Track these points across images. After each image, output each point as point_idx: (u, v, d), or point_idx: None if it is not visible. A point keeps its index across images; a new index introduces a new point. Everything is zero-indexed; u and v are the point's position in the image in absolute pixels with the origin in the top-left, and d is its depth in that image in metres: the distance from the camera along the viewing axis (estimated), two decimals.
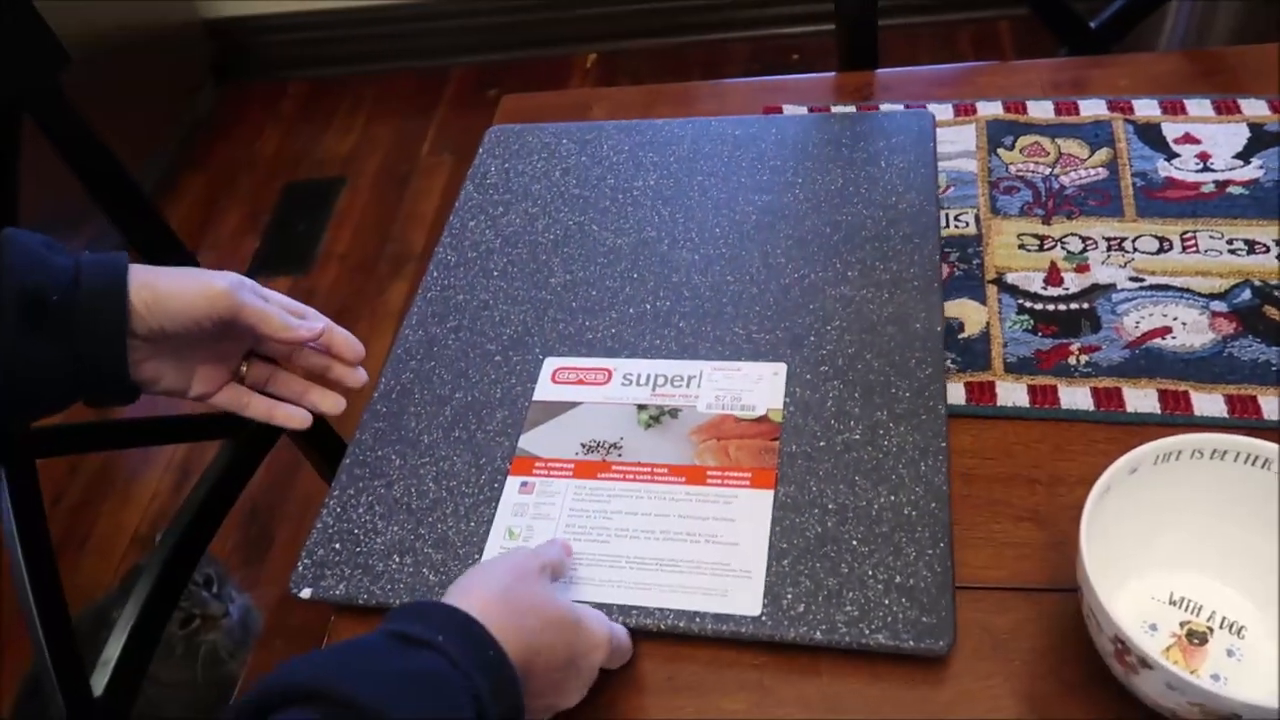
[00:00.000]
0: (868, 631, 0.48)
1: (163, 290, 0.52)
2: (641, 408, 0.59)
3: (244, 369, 0.60)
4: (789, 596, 0.50)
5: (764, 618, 0.49)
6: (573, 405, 0.60)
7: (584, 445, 0.58)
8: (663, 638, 0.51)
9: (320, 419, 1.00)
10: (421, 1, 2.10)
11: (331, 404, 0.61)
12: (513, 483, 0.57)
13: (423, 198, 1.91)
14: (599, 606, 0.51)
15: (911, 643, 0.47)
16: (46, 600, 0.71)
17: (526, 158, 0.77)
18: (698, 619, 0.50)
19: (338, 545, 0.57)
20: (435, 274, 0.70)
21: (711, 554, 0.52)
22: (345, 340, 0.60)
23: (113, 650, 0.72)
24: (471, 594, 0.43)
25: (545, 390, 0.61)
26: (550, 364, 0.63)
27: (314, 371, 0.61)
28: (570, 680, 0.46)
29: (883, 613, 0.48)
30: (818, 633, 0.48)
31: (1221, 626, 0.46)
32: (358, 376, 0.61)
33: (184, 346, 0.56)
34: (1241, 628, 0.46)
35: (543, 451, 0.58)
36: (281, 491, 1.49)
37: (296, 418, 0.61)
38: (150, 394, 0.57)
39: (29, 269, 0.50)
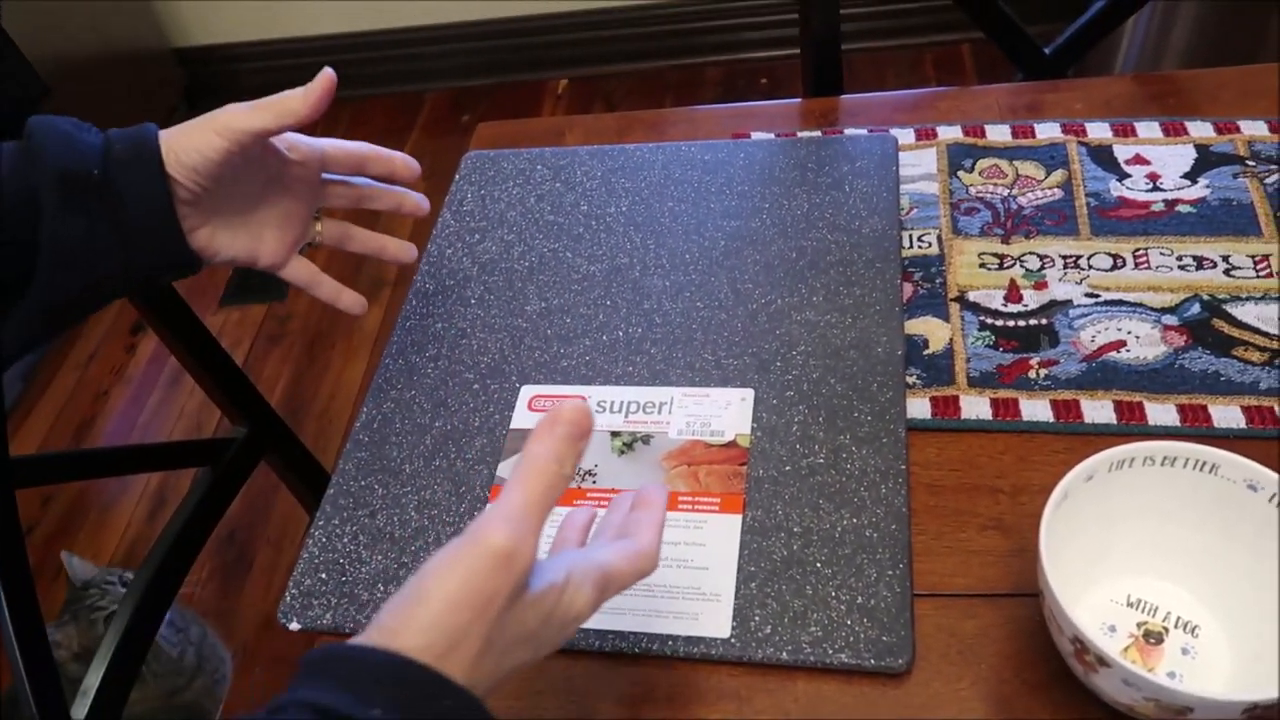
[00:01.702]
0: (831, 651, 0.50)
1: (179, 145, 0.52)
2: (615, 434, 0.61)
3: (317, 229, 0.62)
4: (756, 618, 0.51)
5: (733, 639, 0.51)
6: None
7: None
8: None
9: (298, 443, 1.01)
10: (394, 28, 2.12)
11: (406, 251, 0.65)
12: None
13: (397, 222, 1.92)
14: (578, 634, 0.52)
15: (872, 661, 0.49)
16: (26, 631, 0.71)
17: (502, 184, 0.79)
18: (670, 642, 0.51)
19: (324, 575, 0.58)
20: (414, 302, 0.72)
21: (683, 578, 0.54)
22: (401, 159, 0.61)
23: (93, 679, 0.72)
24: (405, 636, 0.35)
25: (522, 418, 0.63)
26: (527, 392, 0.64)
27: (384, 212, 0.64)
28: (545, 629, 0.39)
29: (845, 632, 0.50)
30: (784, 653, 0.50)
31: (1176, 626, 0.48)
32: (420, 202, 0.64)
33: (235, 206, 0.57)
34: (1195, 627, 0.48)
35: None
36: (259, 516, 1.49)
37: (357, 305, 0.64)
38: (216, 265, 0.57)
39: (62, 151, 0.50)
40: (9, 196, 0.50)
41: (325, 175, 0.61)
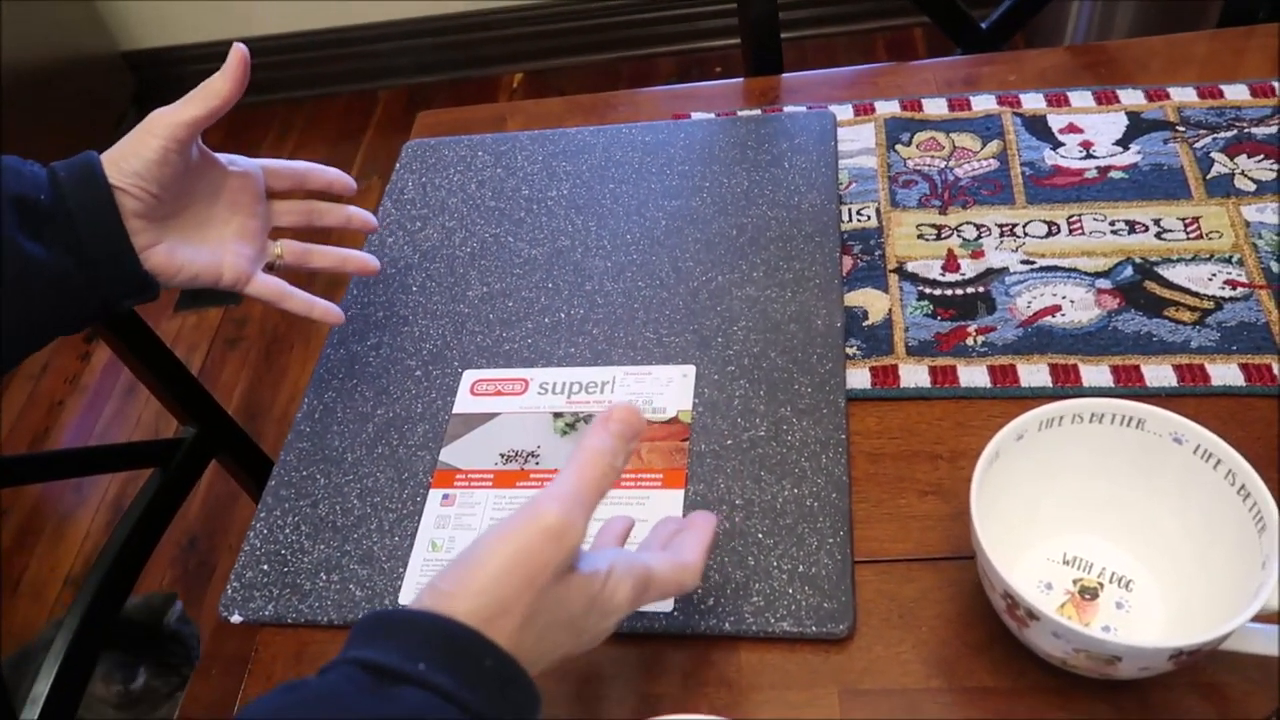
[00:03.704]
0: (773, 620, 0.50)
1: (118, 155, 0.53)
2: (557, 416, 0.60)
3: (277, 250, 0.61)
4: (699, 591, 0.51)
5: (676, 613, 0.51)
6: (491, 416, 0.61)
7: (503, 455, 0.59)
8: None
9: (251, 444, 1.00)
10: (346, 26, 2.10)
11: (369, 262, 0.65)
12: (434, 495, 0.58)
13: (349, 240, 1.91)
14: None
15: (814, 628, 0.49)
16: None
17: (443, 171, 0.79)
18: None
19: (265, 566, 0.57)
20: (355, 292, 0.71)
21: None
22: (336, 174, 0.63)
23: (42, 687, 0.71)
24: (458, 599, 0.36)
25: (464, 403, 0.62)
26: (469, 377, 0.64)
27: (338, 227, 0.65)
28: (588, 617, 0.40)
29: (787, 601, 0.50)
30: (726, 624, 0.50)
31: (1111, 581, 0.49)
32: (367, 218, 0.65)
33: (190, 220, 0.57)
34: (1129, 581, 0.49)
35: (463, 463, 0.59)
36: (220, 523, 1.48)
37: (333, 313, 0.63)
38: (177, 285, 0.56)
39: (12, 180, 0.51)
40: None
41: (271, 194, 0.62)
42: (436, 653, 0.35)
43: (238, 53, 0.55)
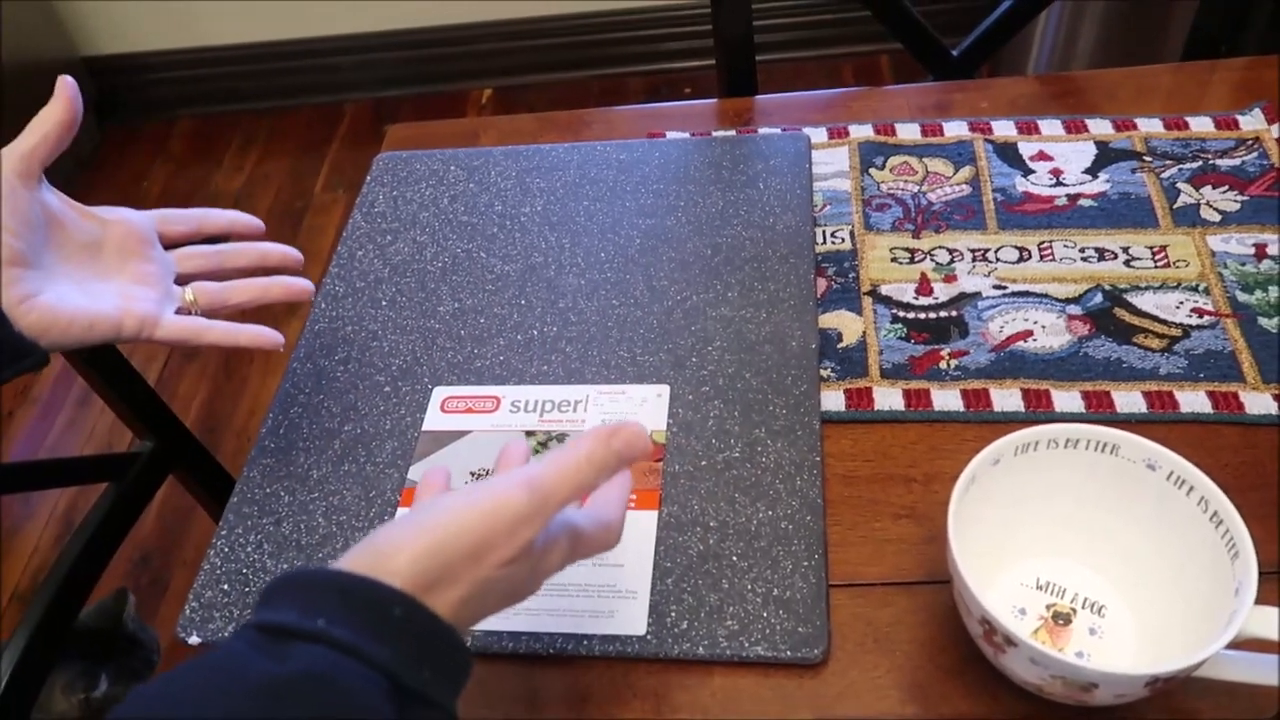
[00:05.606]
0: (747, 644, 0.49)
1: None
2: (530, 434, 0.60)
3: (189, 296, 0.55)
4: (673, 614, 0.51)
5: (649, 636, 0.50)
6: (462, 434, 0.60)
7: (473, 474, 0.58)
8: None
9: (210, 458, 0.98)
10: (313, 37, 2.08)
11: (294, 286, 0.57)
12: (402, 514, 0.57)
13: (318, 235, 1.89)
14: (490, 635, 0.51)
15: (788, 653, 0.49)
16: None
17: (415, 185, 0.78)
18: (585, 642, 0.50)
19: (226, 586, 0.56)
20: (323, 305, 0.70)
21: (598, 576, 0.53)
22: (243, 218, 0.58)
23: None
24: (397, 557, 0.35)
25: (435, 420, 0.61)
26: (439, 393, 0.63)
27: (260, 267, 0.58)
28: (527, 584, 0.40)
29: (761, 625, 0.50)
30: (700, 648, 0.49)
31: (1084, 607, 0.49)
32: (288, 252, 0.58)
33: (73, 270, 0.51)
34: (1102, 606, 0.49)
35: None
36: (175, 538, 1.44)
37: (265, 337, 0.55)
38: (72, 340, 0.49)
39: None
40: None
41: (170, 241, 0.57)
42: (336, 606, 0.33)
43: (63, 80, 0.51)
